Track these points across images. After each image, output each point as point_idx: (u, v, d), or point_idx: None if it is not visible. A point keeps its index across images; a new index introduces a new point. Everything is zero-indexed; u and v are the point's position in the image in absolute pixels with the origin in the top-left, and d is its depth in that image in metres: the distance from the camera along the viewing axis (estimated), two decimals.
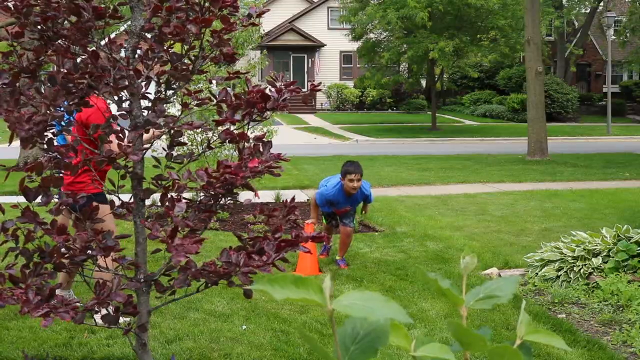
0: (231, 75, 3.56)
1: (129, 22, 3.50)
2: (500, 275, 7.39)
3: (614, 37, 37.23)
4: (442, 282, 1.46)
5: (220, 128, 3.54)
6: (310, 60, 42.26)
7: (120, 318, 3.29)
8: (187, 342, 5.38)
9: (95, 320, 4.44)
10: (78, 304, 3.07)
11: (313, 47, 42.11)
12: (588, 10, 42.17)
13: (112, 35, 11.25)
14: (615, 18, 36.41)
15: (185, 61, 3.48)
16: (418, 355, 1.38)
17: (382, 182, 14.49)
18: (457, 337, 1.39)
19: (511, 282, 1.54)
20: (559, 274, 7.22)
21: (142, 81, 3.34)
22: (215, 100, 3.49)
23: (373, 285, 6.88)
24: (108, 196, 4.72)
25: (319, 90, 3.65)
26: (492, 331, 1.50)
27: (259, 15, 3.57)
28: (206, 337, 5.51)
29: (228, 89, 3.76)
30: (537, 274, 7.34)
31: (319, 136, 28.75)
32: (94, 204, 3.29)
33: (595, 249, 7.41)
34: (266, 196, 11.41)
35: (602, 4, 41.76)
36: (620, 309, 6.33)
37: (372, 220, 10.21)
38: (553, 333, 1.43)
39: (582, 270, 7.16)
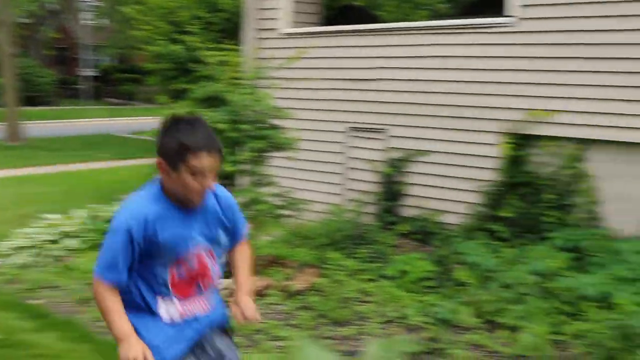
0: None
1: None
2: None
3: (91, 22, 37.91)
4: None
5: None
6: None
7: None
8: None
9: None
10: None
11: None
12: None
13: None
14: (90, 3, 37.12)
15: None
16: None
17: None
18: None
19: None
20: (35, 259, 7.11)
21: None
22: None
23: None
24: None
25: None
26: None
27: None
28: None
29: None
30: (12, 262, 7.11)
31: None
32: None
33: (69, 230, 7.48)
34: None
35: None
36: None
37: None
38: None
39: (56, 253, 7.16)
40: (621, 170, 6.87)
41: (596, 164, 6.99)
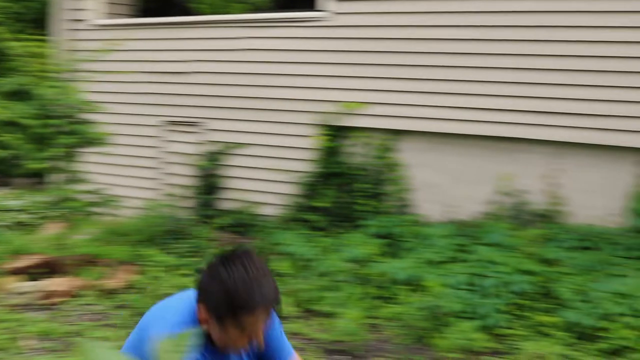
0: None
1: None
2: None
3: None
4: None
5: None
6: None
7: None
8: None
9: None
10: None
11: None
12: None
13: None
14: None
15: None
16: None
17: None
18: None
19: None
20: None
21: None
22: None
23: None
24: None
25: None
26: None
27: None
28: None
29: None
30: None
31: None
32: None
33: None
34: None
35: None
36: None
37: None
38: None
39: None
40: (429, 159, 7.22)
41: (406, 154, 7.31)
